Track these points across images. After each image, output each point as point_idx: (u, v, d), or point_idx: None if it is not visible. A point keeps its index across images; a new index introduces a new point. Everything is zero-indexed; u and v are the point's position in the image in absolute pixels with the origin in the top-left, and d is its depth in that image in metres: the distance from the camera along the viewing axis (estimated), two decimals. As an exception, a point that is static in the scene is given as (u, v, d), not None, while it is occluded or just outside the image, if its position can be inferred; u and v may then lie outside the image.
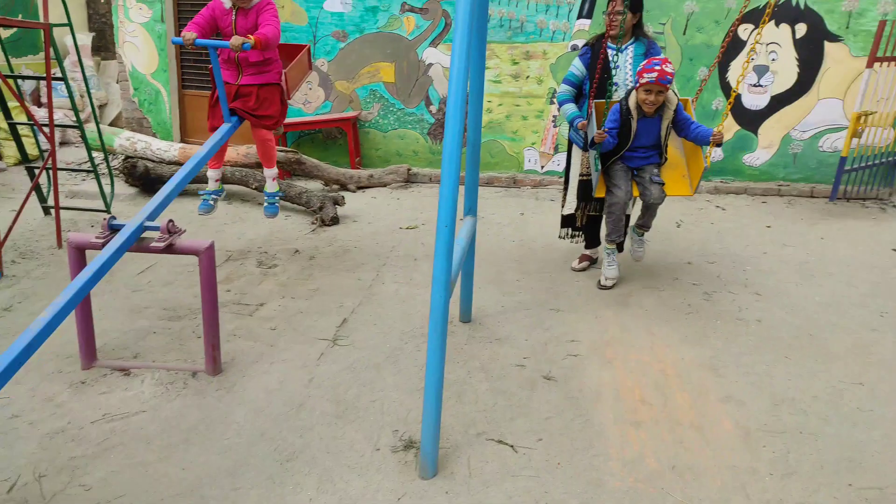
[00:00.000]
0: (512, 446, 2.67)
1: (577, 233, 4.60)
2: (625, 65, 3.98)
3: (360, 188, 6.71)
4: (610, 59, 3.93)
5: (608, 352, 3.48)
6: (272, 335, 3.60)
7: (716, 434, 2.78)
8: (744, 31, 6.40)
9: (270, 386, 3.10)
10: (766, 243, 5.23)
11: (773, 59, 6.41)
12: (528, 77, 6.83)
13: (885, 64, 5.72)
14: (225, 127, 3.86)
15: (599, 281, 4.29)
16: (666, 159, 4.03)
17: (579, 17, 6.59)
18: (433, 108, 7.12)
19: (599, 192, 4.04)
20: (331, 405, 2.95)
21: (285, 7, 6.92)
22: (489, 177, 7.13)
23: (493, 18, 6.68)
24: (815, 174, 6.70)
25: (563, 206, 4.60)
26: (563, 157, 7.03)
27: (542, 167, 7.13)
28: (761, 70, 6.41)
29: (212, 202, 4.21)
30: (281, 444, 2.68)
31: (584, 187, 4.32)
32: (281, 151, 6.04)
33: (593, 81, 3.95)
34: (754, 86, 6.46)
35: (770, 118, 6.58)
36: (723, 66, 6.51)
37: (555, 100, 6.85)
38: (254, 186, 5.96)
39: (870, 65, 5.60)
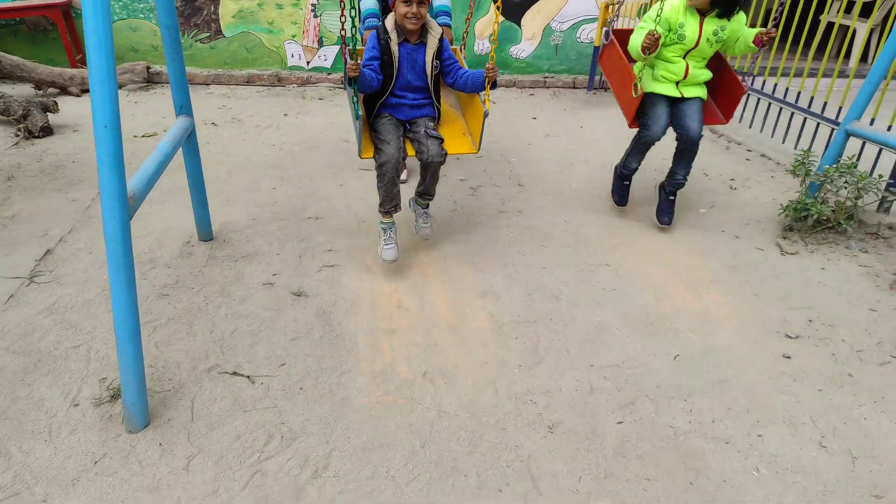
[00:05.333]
0: (248, 377, 2.34)
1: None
2: None
3: (85, 91, 5.61)
4: None
5: (367, 258, 3.23)
6: (-57, 279, 2.83)
7: (471, 331, 2.68)
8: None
9: (-67, 345, 2.41)
10: (532, 135, 5.28)
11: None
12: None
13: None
14: None
15: (381, 256, 3.11)
16: (439, 112, 3.24)
17: None
18: (168, -7, 6.07)
19: (366, 152, 3.01)
20: (16, 359, 2.36)
21: None
22: (249, 74, 6.39)
23: None
24: (575, 65, 6.91)
25: None
26: (329, 51, 6.51)
27: (308, 63, 6.52)
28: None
29: None
30: (-62, 420, 2.08)
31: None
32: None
33: None
34: (511, -27, 6.35)
35: (531, 9, 6.56)
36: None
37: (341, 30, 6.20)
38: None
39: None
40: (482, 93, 3.07)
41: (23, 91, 5.51)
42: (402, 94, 3.10)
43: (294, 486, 1.91)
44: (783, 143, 5.01)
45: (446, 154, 3.05)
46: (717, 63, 3.59)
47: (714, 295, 3.07)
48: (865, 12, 7.72)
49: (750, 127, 5.42)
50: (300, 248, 3.28)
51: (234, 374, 2.35)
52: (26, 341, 2.46)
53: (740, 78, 3.52)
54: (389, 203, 3.03)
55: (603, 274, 3.20)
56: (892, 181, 3.76)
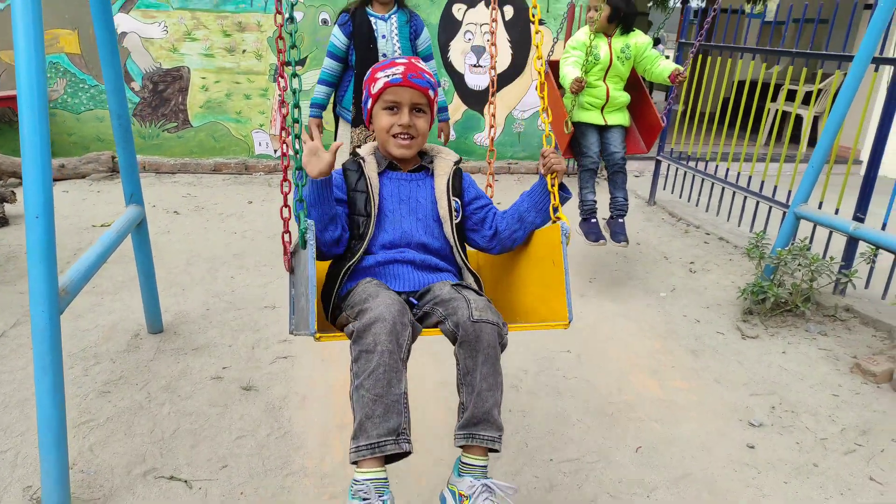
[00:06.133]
0: (186, 482, 2.20)
1: None
2: (390, 34, 3.59)
3: (47, 181, 5.58)
4: (374, 27, 3.54)
5: (324, 350, 3.14)
6: None
7: (426, 426, 2.58)
8: (458, 10, 6.47)
9: None
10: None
11: (489, 41, 6.61)
12: (244, 51, 6.23)
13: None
14: None
15: None
16: (478, 282, 1.95)
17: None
18: (135, 86, 6.18)
19: (324, 331, 1.68)
20: (-63, 467, 2.20)
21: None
22: (215, 163, 6.43)
23: (193, -17, 5.98)
24: (538, 152, 7.10)
25: None
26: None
27: (276, 151, 6.61)
28: (479, 51, 6.56)
29: None
30: None
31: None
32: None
33: (359, 51, 3.53)
34: (475, 66, 6.60)
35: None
36: (444, 47, 6.54)
37: (278, 78, 6.34)
38: None
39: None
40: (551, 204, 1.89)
41: (-18, 181, 5.46)
42: (395, 252, 1.85)
43: None
44: (739, 226, 5.13)
45: (505, 324, 1.64)
46: (640, 97, 4.06)
47: (677, 381, 3.03)
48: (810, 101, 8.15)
49: (706, 210, 5.55)
50: (254, 339, 3.19)
51: (171, 478, 2.21)
52: (-51, 447, 2.30)
53: (660, 115, 4.01)
54: (381, 424, 1.46)
55: (565, 360, 3.15)
56: (843, 263, 3.84)
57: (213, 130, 6.43)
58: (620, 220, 3.95)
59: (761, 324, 3.63)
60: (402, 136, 1.86)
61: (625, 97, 3.90)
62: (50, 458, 1.85)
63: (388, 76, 1.83)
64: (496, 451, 1.59)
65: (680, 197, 5.96)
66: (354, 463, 1.47)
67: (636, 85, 4.06)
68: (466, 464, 1.59)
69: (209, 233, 4.71)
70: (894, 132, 3.68)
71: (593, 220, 3.94)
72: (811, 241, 4.01)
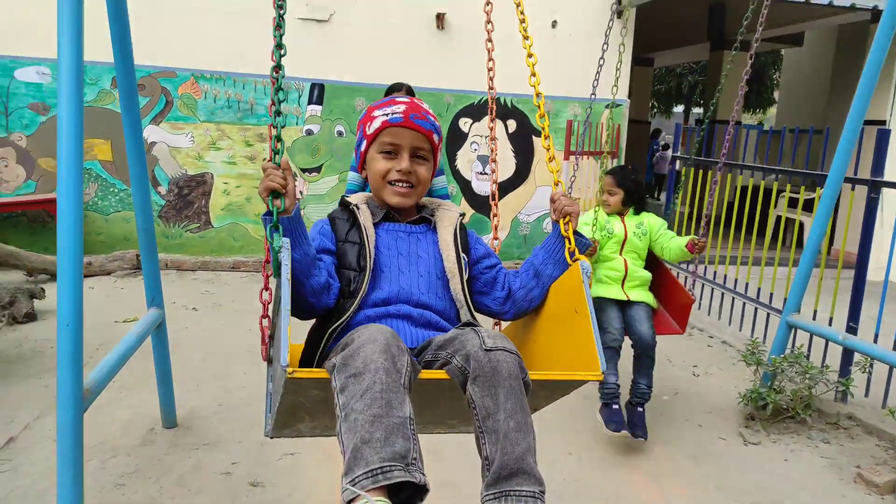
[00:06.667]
0: (193, 577, 2.26)
1: None
2: None
3: (74, 277, 5.85)
4: None
5: (331, 446, 3.23)
6: None
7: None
8: (464, 124, 6.97)
9: None
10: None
11: (491, 151, 7.08)
12: (265, 159, 6.66)
13: (579, 157, 6.57)
14: None
15: None
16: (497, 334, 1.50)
17: (310, 102, 6.69)
18: (162, 190, 6.61)
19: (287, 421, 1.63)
20: (-45, 557, 2.29)
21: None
22: (234, 261, 6.72)
23: (220, 99, 6.56)
24: (544, 255, 7.36)
25: None
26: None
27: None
28: (484, 160, 7.00)
29: None
30: None
31: None
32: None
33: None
34: (481, 174, 7.01)
35: (499, 202, 7.15)
36: (451, 156, 6.98)
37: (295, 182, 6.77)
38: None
39: (566, 157, 6.39)
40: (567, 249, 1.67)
41: (13, 278, 5.73)
42: (390, 307, 1.61)
43: None
44: (740, 330, 5.23)
45: (527, 373, 1.38)
46: (663, 277, 3.71)
47: (677, 488, 3.06)
48: (811, 207, 8.43)
49: (708, 314, 5.68)
50: (262, 435, 3.28)
51: (179, 573, 2.27)
52: (-32, 537, 2.39)
53: (687, 288, 3.71)
54: (383, 448, 1.18)
55: (565, 463, 3.20)
56: (839, 371, 3.91)
57: (232, 231, 6.77)
58: (640, 410, 3.44)
59: (763, 430, 3.67)
60: (401, 184, 1.63)
61: (645, 274, 3.60)
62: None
63: (386, 115, 1.61)
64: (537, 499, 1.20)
65: (683, 300, 6.11)
66: (349, 502, 1.13)
67: (656, 266, 3.72)
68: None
69: (225, 329, 4.88)
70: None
71: (615, 406, 3.39)
72: (810, 345, 4.10)
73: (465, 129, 6.94)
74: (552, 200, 1.67)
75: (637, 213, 3.69)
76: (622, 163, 7.10)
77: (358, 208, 1.67)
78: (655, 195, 15.14)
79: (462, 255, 1.66)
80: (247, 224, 6.80)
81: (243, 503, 2.71)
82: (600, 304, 3.48)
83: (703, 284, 5.66)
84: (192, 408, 3.55)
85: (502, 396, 1.27)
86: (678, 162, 6.42)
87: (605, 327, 3.42)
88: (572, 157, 6.47)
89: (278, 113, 1.54)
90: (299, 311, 1.55)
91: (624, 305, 3.53)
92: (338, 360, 1.26)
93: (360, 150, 1.70)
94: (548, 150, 1.75)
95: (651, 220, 3.67)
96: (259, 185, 1.49)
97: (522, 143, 7.07)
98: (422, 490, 1.13)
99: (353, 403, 1.17)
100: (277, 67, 1.54)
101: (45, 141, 6.33)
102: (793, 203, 8.45)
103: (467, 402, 1.33)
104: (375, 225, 1.67)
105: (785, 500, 2.99)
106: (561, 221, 1.66)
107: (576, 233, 1.65)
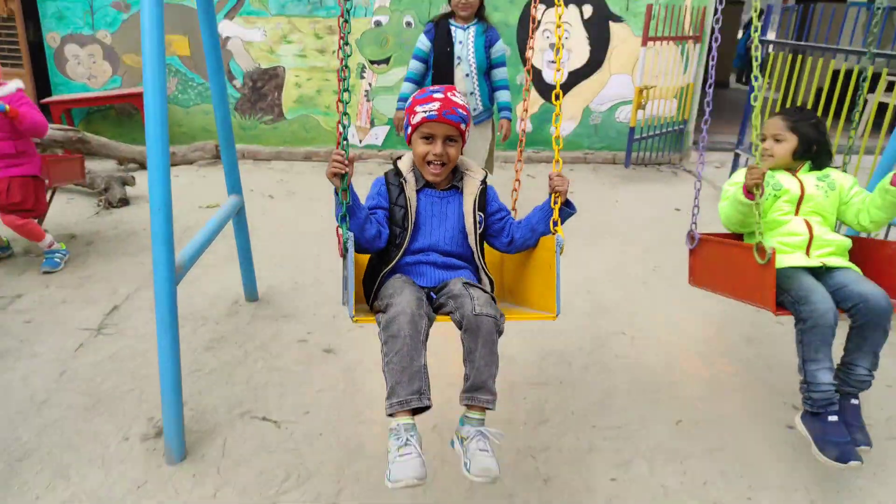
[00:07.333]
0: (276, 422, 2.60)
1: None
2: (466, 40, 4.05)
3: (161, 167, 6.25)
4: (452, 34, 4.06)
5: (396, 320, 3.49)
6: (25, 329, 3.24)
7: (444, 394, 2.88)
8: (537, 10, 6.66)
9: (12, 384, 2.78)
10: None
11: (567, 38, 6.78)
12: (334, 52, 6.70)
13: (658, 42, 6.24)
14: None
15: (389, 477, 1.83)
16: (491, 283, 2.32)
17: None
18: (237, 83, 6.81)
19: (361, 316, 2.08)
20: (81, 398, 2.70)
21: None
22: (307, 151, 6.96)
23: (290, -9, 6.53)
24: (615, 143, 7.21)
25: None
26: (380, 130, 7.02)
27: (361, 141, 7.06)
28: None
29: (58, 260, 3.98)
30: (12, 445, 2.41)
31: None
32: (60, 130, 5.45)
33: (437, 52, 4.07)
34: (552, 62, 6.78)
35: (570, 92, 6.96)
36: (522, 44, 6.77)
37: (364, 74, 6.80)
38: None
39: (644, 43, 6.08)
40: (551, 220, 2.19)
41: (107, 166, 6.18)
42: (424, 254, 2.23)
43: (305, 520, 2.12)
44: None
45: (502, 315, 2.01)
46: (859, 244, 2.62)
47: (726, 366, 3.17)
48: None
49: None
50: (335, 310, 3.58)
51: (264, 419, 2.62)
52: (91, 384, 2.80)
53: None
54: (407, 387, 1.85)
55: (618, 341, 3.36)
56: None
57: (304, 123, 6.96)
58: (854, 402, 2.39)
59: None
60: (435, 164, 2.18)
61: (842, 240, 2.52)
62: (168, 397, 2.30)
63: (425, 112, 2.12)
64: (491, 409, 1.97)
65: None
66: (391, 415, 1.89)
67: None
68: (468, 417, 1.98)
69: (299, 215, 5.17)
70: None
71: (832, 419, 2.28)
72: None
73: (537, 15, 6.67)
74: (550, 178, 2.19)
75: (816, 168, 2.64)
76: (706, 48, 6.70)
77: (405, 181, 2.22)
78: (744, 80, 14.33)
79: (479, 213, 2.26)
80: (318, 116, 6.96)
81: (318, 367, 3.02)
82: (786, 273, 2.39)
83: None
84: (271, 284, 3.87)
85: (479, 344, 1.94)
86: (770, 46, 6.02)
87: (803, 297, 2.29)
88: (650, 43, 6.15)
89: (346, 89, 1.96)
90: (361, 251, 2.18)
91: (820, 273, 2.47)
92: (382, 321, 1.95)
93: (407, 132, 2.23)
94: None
95: (838, 176, 2.62)
96: (326, 170, 2.00)
97: (598, 30, 6.76)
98: (427, 407, 1.90)
99: (391, 357, 1.88)
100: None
101: (128, 38, 6.58)
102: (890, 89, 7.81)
103: (460, 339, 1.99)
104: (418, 191, 2.24)
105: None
106: (552, 196, 2.19)
107: (567, 202, 2.22)
